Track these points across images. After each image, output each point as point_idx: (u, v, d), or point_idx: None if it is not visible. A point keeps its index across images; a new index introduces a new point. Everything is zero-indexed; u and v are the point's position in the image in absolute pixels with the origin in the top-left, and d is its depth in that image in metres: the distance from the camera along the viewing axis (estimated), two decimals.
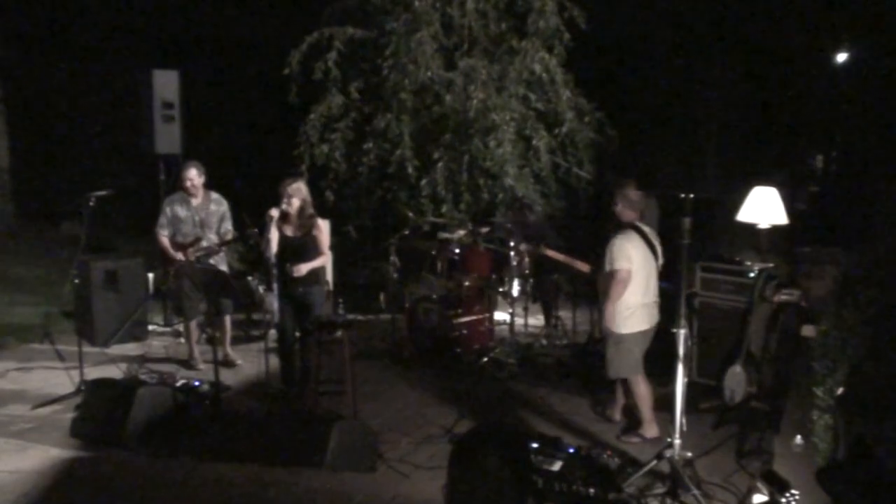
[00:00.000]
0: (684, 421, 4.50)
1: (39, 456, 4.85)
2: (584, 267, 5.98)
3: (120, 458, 4.82)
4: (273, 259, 5.53)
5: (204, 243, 6.46)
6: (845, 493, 3.81)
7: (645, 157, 11.68)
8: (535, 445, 4.34)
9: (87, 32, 14.11)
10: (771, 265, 5.71)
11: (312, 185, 6.58)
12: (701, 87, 13.27)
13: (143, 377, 6.24)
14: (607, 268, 5.04)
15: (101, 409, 5.10)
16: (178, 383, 5.76)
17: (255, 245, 5.87)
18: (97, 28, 14.07)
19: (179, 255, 6.41)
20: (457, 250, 7.42)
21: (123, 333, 7.33)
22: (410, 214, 7.94)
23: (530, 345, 7.31)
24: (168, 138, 7.84)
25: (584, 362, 6.58)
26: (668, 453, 4.40)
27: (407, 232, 7.63)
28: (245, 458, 4.68)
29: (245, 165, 11.86)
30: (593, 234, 5.44)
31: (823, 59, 13.90)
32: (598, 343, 6.30)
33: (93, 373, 6.11)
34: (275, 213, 5.53)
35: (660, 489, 4.39)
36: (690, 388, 4.90)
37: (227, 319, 6.76)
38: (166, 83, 7.82)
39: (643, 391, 5.15)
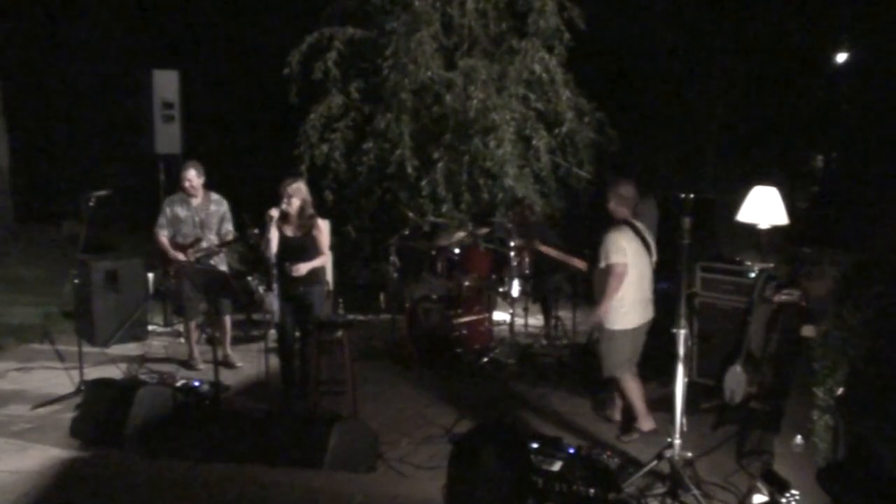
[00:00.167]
0: (684, 421, 4.50)
1: (39, 456, 4.85)
2: (579, 263, 5.99)
3: (120, 458, 4.82)
4: (273, 259, 5.53)
5: (204, 244, 6.46)
6: (845, 493, 3.81)
7: (645, 157, 11.68)
8: (535, 445, 4.35)
9: (87, 32, 14.12)
10: (771, 265, 5.72)
11: (312, 185, 6.58)
12: (701, 87, 13.27)
13: (143, 377, 6.25)
14: (602, 263, 5.07)
15: (100, 409, 5.10)
16: (178, 383, 5.78)
17: (255, 245, 5.87)
18: (97, 28, 14.09)
19: (179, 256, 6.41)
20: (457, 250, 7.42)
21: (123, 333, 7.33)
22: (410, 214, 7.94)
23: (530, 345, 7.31)
24: (168, 138, 7.84)
25: (584, 362, 6.58)
26: (668, 453, 4.40)
27: (407, 232, 7.64)
28: (245, 458, 4.67)
29: (245, 165, 11.86)
30: (593, 234, 5.46)
31: (823, 59, 13.90)
32: (597, 343, 6.31)
33: (93, 373, 6.12)
34: (275, 213, 5.53)
35: (660, 489, 4.39)
36: (690, 388, 4.90)
37: (227, 320, 6.76)
38: (166, 83, 7.82)
39: (632, 385, 5.21)
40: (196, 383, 5.75)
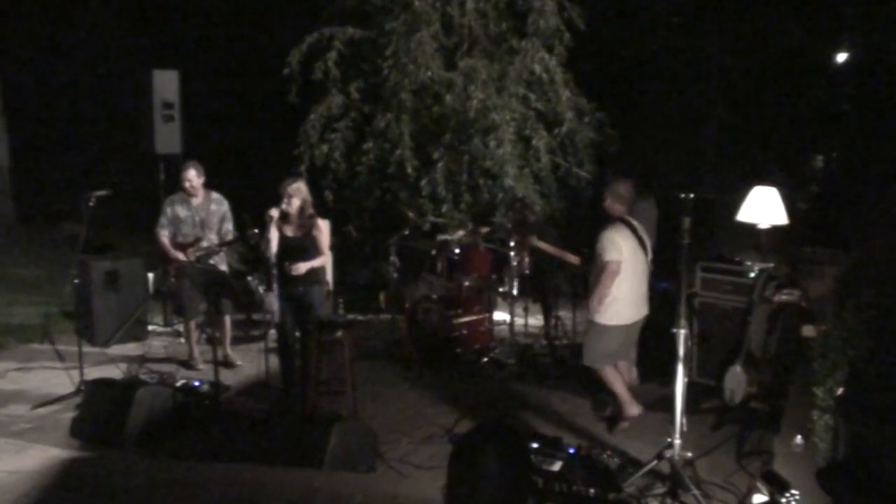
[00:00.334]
0: (684, 421, 4.49)
1: (39, 456, 4.85)
2: (574, 259, 6.02)
3: (120, 458, 4.82)
4: (273, 259, 5.53)
5: (204, 244, 6.46)
6: (845, 493, 3.81)
7: (645, 157, 11.67)
8: (535, 445, 4.36)
9: (87, 32, 14.12)
10: (771, 265, 5.72)
11: (312, 185, 6.58)
12: (701, 87, 13.26)
13: (143, 377, 6.24)
14: (598, 261, 5.11)
15: (100, 409, 5.11)
16: (178, 383, 5.78)
17: (255, 245, 5.88)
18: (97, 28, 14.09)
19: (179, 256, 6.41)
20: (457, 250, 7.42)
21: (123, 333, 7.32)
22: (410, 214, 7.94)
23: (530, 345, 7.31)
24: (168, 138, 7.84)
25: None
26: (668, 453, 4.40)
27: (407, 232, 7.64)
28: (245, 458, 4.68)
29: (245, 165, 11.87)
30: (593, 234, 5.49)
31: (823, 59, 13.89)
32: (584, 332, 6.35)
33: (93, 373, 6.12)
34: (275, 213, 5.53)
35: (660, 489, 4.39)
36: (690, 388, 4.90)
37: (228, 320, 6.77)
38: (166, 83, 7.82)
39: (612, 375, 5.31)
40: (196, 383, 5.75)
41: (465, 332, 6.78)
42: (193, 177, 6.45)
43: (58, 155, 14.13)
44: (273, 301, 5.59)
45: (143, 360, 6.83)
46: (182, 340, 7.24)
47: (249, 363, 6.64)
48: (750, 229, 5.96)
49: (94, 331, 7.20)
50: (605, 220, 5.32)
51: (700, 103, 13.36)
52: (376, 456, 4.81)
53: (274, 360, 5.99)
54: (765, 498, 3.96)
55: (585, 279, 5.97)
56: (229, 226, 6.61)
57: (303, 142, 8.81)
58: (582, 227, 8.74)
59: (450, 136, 8.67)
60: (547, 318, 7.48)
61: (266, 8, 12.76)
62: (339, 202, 8.98)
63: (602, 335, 5.24)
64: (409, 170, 8.48)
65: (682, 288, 4.51)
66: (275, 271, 5.52)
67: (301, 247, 5.72)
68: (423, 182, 8.61)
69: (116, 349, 7.16)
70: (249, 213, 6.40)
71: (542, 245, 6.51)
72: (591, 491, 3.95)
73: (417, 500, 4.36)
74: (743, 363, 5.30)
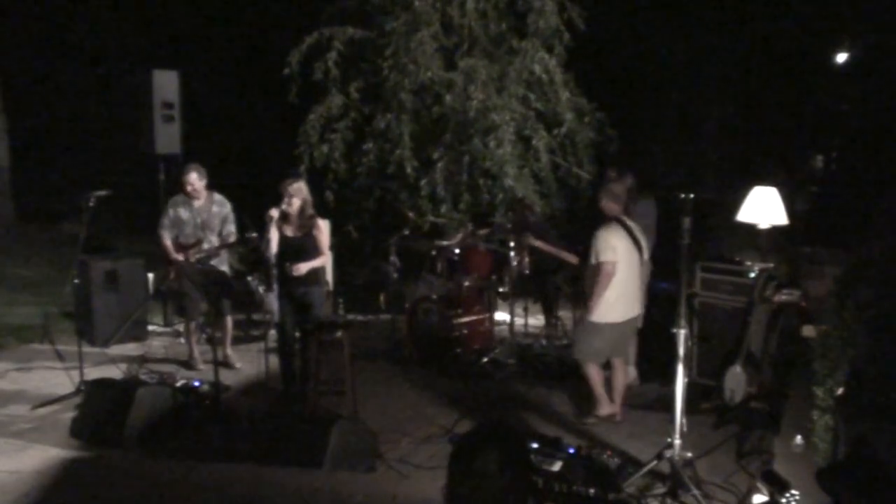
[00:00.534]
0: (684, 421, 4.49)
1: (39, 456, 4.85)
2: (571, 258, 6.05)
3: (120, 458, 4.82)
4: (273, 259, 5.53)
5: (205, 245, 6.46)
6: (845, 493, 3.80)
7: (645, 157, 11.68)
8: (535, 445, 4.35)
9: (87, 33, 14.13)
10: (771, 265, 5.72)
11: (312, 185, 6.58)
12: (701, 87, 13.27)
13: (143, 377, 6.23)
14: (593, 261, 5.20)
15: (100, 410, 5.11)
16: (178, 383, 5.76)
17: (255, 247, 5.88)
18: (97, 28, 14.09)
19: (180, 257, 6.42)
20: (456, 250, 7.42)
21: (123, 333, 7.32)
22: (410, 214, 7.94)
23: (530, 345, 7.31)
24: (168, 138, 7.84)
25: None
26: (668, 453, 4.40)
27: (407, 232, 7.64)
28: (245, 458, 4.68)
29: (245, 166, 11.87)
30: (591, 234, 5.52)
31: (823, 59, 13.89)
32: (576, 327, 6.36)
33: (93, 373, 6.12)
34: (275, 213, 5.53)
35: (660, 489, 4.39)
36: (690, 388, 4.90)
37: (229, 320, 6.76)
38: (166, 83, 7.82)
39: (594, 373, 5.39)
40: (196, 383, 5.74)
41: (465, 332, 6.78)
42: (195, 180, 6.45)
43: (58, 155, 14.13)
44: (273, 301, 5.60)
45: (143, 360, 6.83)
46: (182, 340, 7.24)
47: (249, 363, 6.64)
48: (750, 229, 5.96)
49: (94, 331, 7.20)
50: (600, 219, 5.34)
51: (700, 103, 13.37)
52: (376, 456, 4.80)
53: (274, 360, 5.99)
54: (765, 498, 3.96)
55: (580, 275, 6.01)
56: (231, 227, 6.61)
57: (303, 142, 8.81)
58: (582, 227, 8.74)
59: (450, 136, 8.66)
60: (547, 318, 7.49)
61: (266, 8, 12.76)
62: (339, 202, 8.98)
63: (591, 332, 5.31)
64: (409, 170, 8.47)
65: (682, 288, 4.51)
66: (275, 271, 5.52)
67: (301, 247, 5.72)
68: (423, 182, 8.61)
69: (116, 349, 7.16)
70: (249, 214, 6.42)
71: (540, 244, 6.52)
72: (591, 491, 3.94)
73: (417, 500, 4.37)
74: (743, 363, 5.31)
